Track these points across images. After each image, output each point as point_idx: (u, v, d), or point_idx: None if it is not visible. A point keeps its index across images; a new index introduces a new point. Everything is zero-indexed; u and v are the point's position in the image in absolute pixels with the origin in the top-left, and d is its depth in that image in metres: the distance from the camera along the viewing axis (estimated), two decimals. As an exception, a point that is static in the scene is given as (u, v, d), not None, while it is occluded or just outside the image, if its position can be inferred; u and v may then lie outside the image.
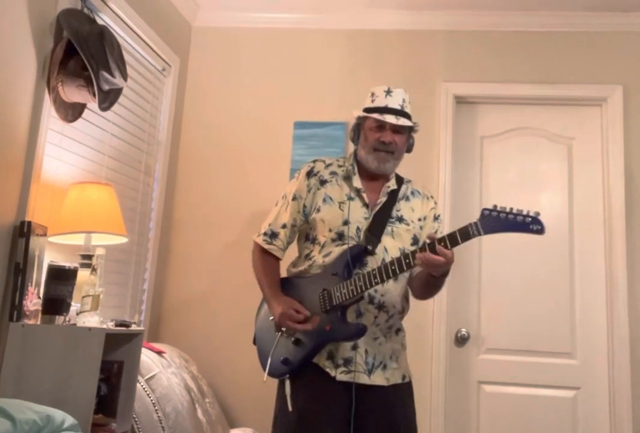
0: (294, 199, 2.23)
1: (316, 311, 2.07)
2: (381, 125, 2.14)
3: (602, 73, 3.26)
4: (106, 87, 2.26)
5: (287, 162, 3.32)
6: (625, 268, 3.08)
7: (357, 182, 2.20)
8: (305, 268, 2.17)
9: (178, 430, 2.39)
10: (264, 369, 2.14)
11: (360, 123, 2.21)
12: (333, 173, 2.23)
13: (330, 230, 2.14)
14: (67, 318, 2.10)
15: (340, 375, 2.05)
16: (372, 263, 2.09)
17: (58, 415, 1.70)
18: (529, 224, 1.84)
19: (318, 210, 2.17)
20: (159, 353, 2.67)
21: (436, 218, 2.26)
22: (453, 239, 1.90)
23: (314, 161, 2.29)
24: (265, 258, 2.25)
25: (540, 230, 1.85)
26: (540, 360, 3.11)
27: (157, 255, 3.18)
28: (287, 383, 2.11)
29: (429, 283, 2.10)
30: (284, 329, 2.10)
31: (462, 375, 3.14)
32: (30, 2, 2.14)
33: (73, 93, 2.26)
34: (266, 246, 2.24)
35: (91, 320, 2.04)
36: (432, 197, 2.30)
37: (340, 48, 3.43)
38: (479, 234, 1.88)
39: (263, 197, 3.30)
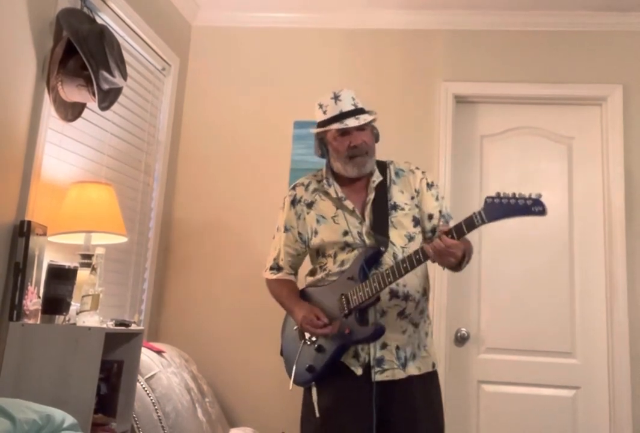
0: (286, 230, 2.27)
1: (337, 316, 2.10)
2: (344, 131, 2.14)
3: (602, 73, 3.26)
4: (106, 87, 2.25)
5: (287, 162, 3.32)
6: (625, 268, 3.08)
7: (335, 192, 2.21)
8: (322, 276, 2.20)
9: (178, 429, 2.38)
10: (290, 378, 2.16)
11: (322, 137, 2.21)
12: (315, 190, 2.26)
13: (335, 244, 2.17)
14: (67, 318, 2.10)
15: (376, 375, 2.07)
16: (386, 259, 2.12)
17: (58, 414, 1.69)
18: (531, 207, 1.84)
19: (316, 233, 2.20)
20: (159, 352, 2.67)
21: (430, 185, 2.24)
22: (459, 230, 1.91)
23: (294, 187, 2.32)
24: (280, 283, 2.30)
25: (542, 211, 1.85)
26: (540, 360, 3.11)
27: (157, 255, 3.18)
28: (314, 390, 2.13)
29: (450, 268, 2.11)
30: (307, 337, 2.13)
31: (462, 375, 3.14)
32: (30, 2, 2.14)
33: (73, 92, 2.26)
34: (275, 276, 2.30)
35: (91, 320, 2.04)
36: (417, 168, 2.27)
37: (340, 48, 3.43)
38: (483, 222, 1.89)
39: (263, 196, 3.31)
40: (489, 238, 3.23)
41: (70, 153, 2.43)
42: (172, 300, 3.28)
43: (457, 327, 3.17)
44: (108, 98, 2.34)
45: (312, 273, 2.29)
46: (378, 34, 3.40)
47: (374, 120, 2.18)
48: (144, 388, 2.34)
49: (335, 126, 2.12)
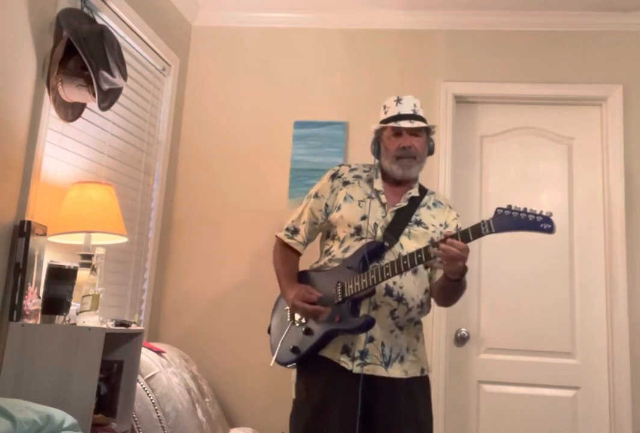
0: (315, 196, 2.34)
1: (329, 303, 2.12)
2: (398, 133, 2.22)
3: (602, 73, 3.26)
4: (106, 87, 2.25)
5: (287, 162, 3.32)
6: (625, 268, 3.08)
7: (378, 184, 2.28)
8: (325, 262, 2.24)
9: (178, 429, 2.38)
10: (273, 355, 2.22)
11: (378, 136, 2.30)
12: (357, 176, 2.33)
13: (349, 226, 2.21)
14: (67, 318, 2.10)
15: (357, 368, 2.08)
16: (389, 256, 2.14)
17: (58, 414, 1.70)
18: (540, 223, 1.87)
19: (339, 208, 2.26)
20: (159, 352, 2.67)
21: (457, 228, 2.26)
22: (465, 235, 1.94)
23: (340, 165, 2.40)
24: (286, 252, 2.34)
25: (550, 229, 1.87)
26: (540, 360, 3.11)
27: (157, 255, 3.18)
28: (294, 372, 2.18)
29: (447, 288, 2.13)
30: (297, 318, 2.17)
31: (462, 375, 3.14)
32: (30, 2, 2.14)
33: (73, 92, 2.26)
34: (287, 240, 2.33)
35: (91, 320, 2.04)
36: (453, 208, 2.35)
37: (340, 48, 3.43)
38: (490, 232, 1.91)
39: (263, 196, 3.31)
40: (489, 238, 3.20)
41: (70, 153, 2.43)
42: (172, 300, 3.28)
43: (457, 327, 3.17)
44: (108, 98, 2.34)
45: (316, 262, 2.32)
46: (378, 34, 3.41)
47: (429, 130, 2.27)
48: (144, 388, 2.34)
49: (390, 125, 2.22)
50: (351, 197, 2.26)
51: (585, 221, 3.22)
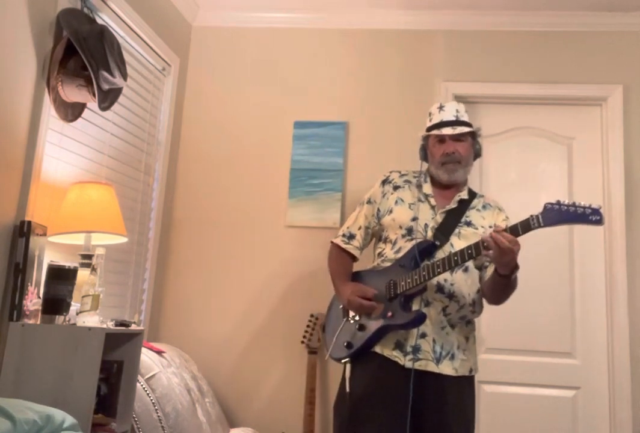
0: (368, 202, 2.44)
1: (382, 300, 2.18)
2: (441, 139, 2.29)
3: (602, 73, 3.26)
4: (106, 87, 2.25)
5: (287, 162, 3.32)
6: (625, 268, 3.08)
7: (427, 188, 2.35)
8: (377, 263, 2.31)
9: (178, 430, 2.38)
10: (327, 351, 2.29)
11: (425, 143, 2.39)
12: (407, 181, 2.41)
13: (400, 227, 2.28)
14: (67, 318, 2.10)
15: (409, 363, 2.12)
16: (440, 254, 2.19)
17: (58, 414, 1.70)
18: (589, 215, 1.91)
19: (390, 212, 2.34)
20: (159, 353, 2.67)
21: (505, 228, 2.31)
22: (514, 230, 1.98)
23: (391, 172, 2.49)
24: (341, 257, 2.42)
25: (599, 221, 1.91)
26: (540, 360, 3.11)
27: (157, 255, 3.18)
28: (348, 367, 2.22)
29: (497, 284, 2.15)
30: (350, 315, 2.24)
31: (462, 375, 3.14)
32: (30, 2, 2.14)
33: (73, 93, 2.26)
34: (344, 245, 2.41)
35: (91, 320, 2.04)
36: (503, 209, 2.39)
37: (340, 48, 3.43)
38: (539, 226, 1.96)
39: (263, 196, 3.31)
40: (489, 239, 3.23)
41: (70, 153, 2.43)
42: (172, 300, 3.28)
43: (457, 327, 3.17)
44: (108, 98, 2.34)
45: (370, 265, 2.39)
46: (378, 34, 3.40)
47: (474, 133, 2.33)
48: (144, 388, 2.34)
49: (434, 132, 2.29)
50: (402, 200, 2.34)
51: (585, 221, 3.22)
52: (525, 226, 1.98)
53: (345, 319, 2.27)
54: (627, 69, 3.25)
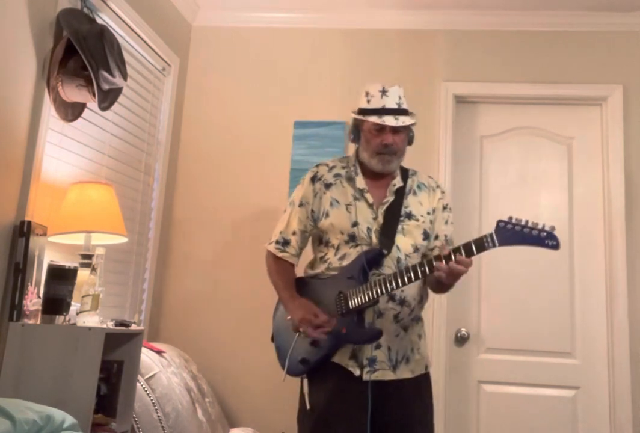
0: (300, 205, 2.26)
1: (332, 313, 2.09)
2: (381, 128, 2.15)
3: (602, 73, 3.26)
4: (106, 87, 2.25)
5: (287, 162, 3.32)
6: (625, 268, 3.08)
7: (360, 182, 2.22)
8: (322, 270, 2.20)
9: (178, 429, 2.38)
10: (283, 368, 2.17)
11: (358, 124, 2.23)
12: (337, 175, 2.27)
13: (341, 233, 2.17)
14: (67, 318, 2.10)
15: (367, 375, 2.07)
16: (388, 262, 2.12)
17: (58, 414, 1.70)
18: (544, 239, 1.90)
19: (327, 215, 2.20)
20: (159, 352, 2.67)
21: (445, 208, 2.27)
22: (469, 250, 1.95)
23: (318, 165, 2.33)
24: (280, 264, 2.29)
25: (556, 246, 1.90)
26: (540, 360, 3.11)
27: (157, 255, 3.18)
28: (305, 382, 2.14)
29: (443, 285, 2.12)
30: (302, 330, 2.12)
31: (462, 375, 3.14)
32: (30, 2, 2.14)
33: (73, 92, 2.26)
34: (280, 254, 2.27)
35: (91, 320, 2.04)
36: (438, 186, 2.31)
37: (340, 48, 3.43)
38: (494, 246, 1.93)
39: (263, 196, 3.31)
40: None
41: (70, 153, 2.43)
42: (172, 300, 3.28)
43: (457, 327, 3.17)
44: (108, 98, 2.34)
45: (311, 265, 2.29)
46: (378, 34, 3.41)
47: (413, 124, 2.21)
48: (144, 388, 2.34)
49: (373, 119, 2.14)
50: (337, 202, 2.21)
51: (585, 221, 3.22)
52: (480, 247, 1.94)
53: (297, 334, 2.14)
54: (627, 69, 3.26)
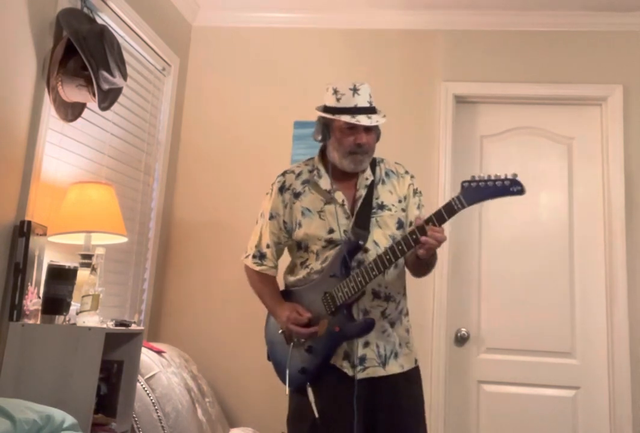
0: (271, 217, 2.22)
1: (323, 315, 2.08)
2: (353, 127, 2.10)
3: (602, 73, 3.26)
4: (106, 87, 2.25)
5: (287, 162, 3.31)
6: (625, 267, 3.08)
7: (324, 184, 2.17)
8: (304, 275, 2.17)
9: (178, 429, 2.39)
10: (284, 382, 2.14)
11: (327, 123, 2.14)
12: (305, 182, 2.21)
13: (319, 240, 2.14)
14: (67, 318, 2.10)
15: (359, 374, 2.07)
16: (367, 258, 2.09)
17: (58, 414, 1.70)
18: (509, 187, 1.85)
19: (300, 225, 2.16)
20: (159, 352, 2.67)
21: (415, 192, 2.23)
22: (440, 217, 1.91)
23: (284, 174, 2.28)
24: (260, 275, 2.26)
25: (521, 191, 1.86)
26: (540, 360, 3.11)
27: (157, 255, 3.18)
28: (310, 390, 2.09)
29: (420, 265, 2.11)
30: (295, 340, 2.11)
31: (462, 375, 3.14)
32: (30, 2, 2.14)
33: (73, 92, 2.26)
34: (258, 268, 2.24)
35: (91, 320, 2.04)
36: (406, 172, 2.26)
37: (340, 48, 3.43)
38: (463, 207, 1.88)
39: (263, 196, 3.30)
40: (489, 238, 3.23)
41: (70, 153, 2.43)
42: (172, 300, 3.28)
43: (457, 327, 3.17)
44: (108, 98, 2.34)
45: (291, 271, 2.25)
46: (378, 34, 3.41)
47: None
48: (144, 388, 2.34)
49: (346, 119, 2.07)
50: (309, 210, 2.16)
51: (585, 221, 3.22)
52: (450, 210, 1.89)
53: (291, 344, 2.12)
54: (627, 69, 3.26)
